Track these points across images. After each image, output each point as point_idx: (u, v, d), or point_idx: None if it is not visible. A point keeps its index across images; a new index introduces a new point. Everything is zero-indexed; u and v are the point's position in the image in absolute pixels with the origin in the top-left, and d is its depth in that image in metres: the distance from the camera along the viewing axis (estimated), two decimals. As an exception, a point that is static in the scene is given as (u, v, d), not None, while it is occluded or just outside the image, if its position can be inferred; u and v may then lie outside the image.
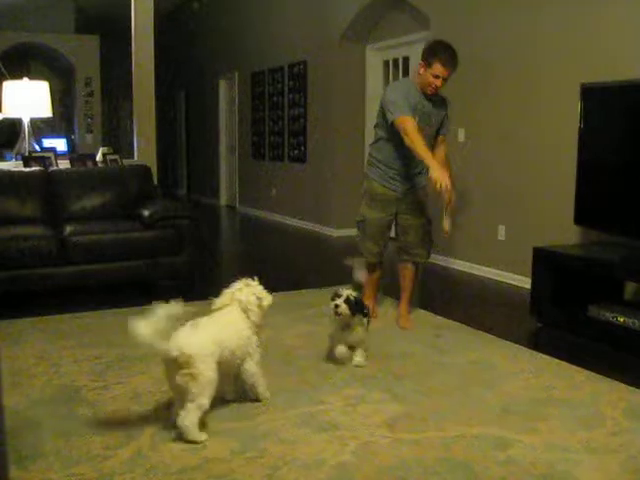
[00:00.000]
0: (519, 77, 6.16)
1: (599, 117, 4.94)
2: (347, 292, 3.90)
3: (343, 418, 3.27)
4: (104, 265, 5.65)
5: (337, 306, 3.85)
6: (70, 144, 13.51)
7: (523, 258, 5.47)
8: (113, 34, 12.03)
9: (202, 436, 2.98)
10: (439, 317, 5.11)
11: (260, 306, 3.37)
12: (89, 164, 7.16)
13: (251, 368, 3.33)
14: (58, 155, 7.50)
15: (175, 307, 2.94)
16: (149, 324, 2.86)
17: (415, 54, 8.15)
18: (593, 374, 3.89)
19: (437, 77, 4.45)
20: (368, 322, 4.02)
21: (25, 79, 7.53)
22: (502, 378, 3.85)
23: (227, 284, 3.41)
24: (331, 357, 4.03)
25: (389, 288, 5.49)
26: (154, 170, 7.26)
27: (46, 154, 7.29)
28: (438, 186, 4.20)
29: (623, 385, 3.72)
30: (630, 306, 4.64)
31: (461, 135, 6.85)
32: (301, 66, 10.03)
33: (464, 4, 6.81)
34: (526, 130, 6.12)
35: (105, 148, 7.95)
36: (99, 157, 7.47)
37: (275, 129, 11.06)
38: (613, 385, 3.73)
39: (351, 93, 9.12)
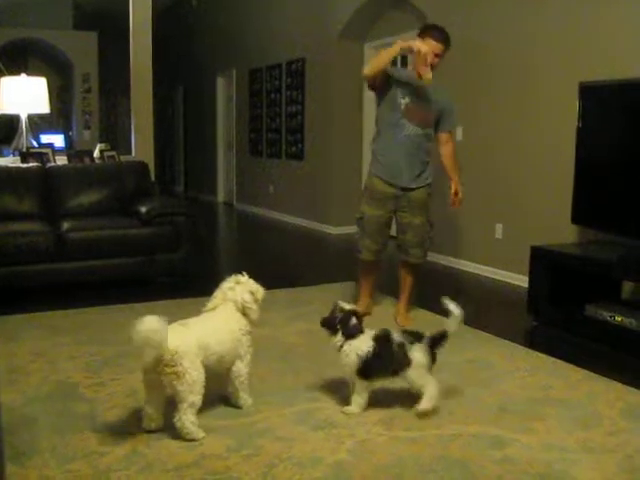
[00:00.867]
0: (517, 76, 6.16)
1: (597, 116, 4.94)
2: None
3: (340, 416, 3.27)
4: (101, 261, 5.66)
5: None
6: (68, 140, 13.49)
7: (520, 257, 5.47)
8: (111, 30, 12.02)
9: (200, 433, 2.97)
10: (436, 315, 5.10)
11: (256, 301, 3.34)
12: (87, 160, 7.16)
13: (240, 370, 3.27)
14: (56, 151, 7.50)
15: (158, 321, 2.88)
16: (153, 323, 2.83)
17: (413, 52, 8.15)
18: (590, 373, 3.89)
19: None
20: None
21: (23, 75, 7.52)
22: (499, 377, 3.85)
23: (223, 281, 3.37)
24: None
25: (388, 287, 5.48)
26: (151, 167, 7.27)
27: (44, 150, 7.28)
28: None
29: (620, 385, 3.72)
30: (627, 305, 4.64)
31: (459, 134, 6.84)
32: (299, 63, 10.02)
33: (462, 3, 6.81)
34: (524, 129, 6.12)
35: (103, 144, 7.95)
36: (96, 153, 7.46)
37: (273, 126, 11.05)
38: (610, 385, 3.73)
39: (349, 90, 9.11)
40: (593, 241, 5.19)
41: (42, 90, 7.36)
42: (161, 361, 2.90)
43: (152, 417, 3.02)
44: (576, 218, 5.07)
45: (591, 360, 4.13)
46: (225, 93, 13.13)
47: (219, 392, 3.33)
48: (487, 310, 5.47)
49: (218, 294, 3.32)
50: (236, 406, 3.32)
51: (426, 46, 4.45)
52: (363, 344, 3.28)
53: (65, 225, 5.66)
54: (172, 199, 7.83)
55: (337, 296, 5.40)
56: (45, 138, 10.98)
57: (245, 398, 3.32)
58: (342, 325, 3.34)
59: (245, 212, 11.91)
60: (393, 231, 4.92)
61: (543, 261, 4.92)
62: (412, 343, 3.32)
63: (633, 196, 4.62)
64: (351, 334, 3.33)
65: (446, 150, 4.81)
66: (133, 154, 7.90)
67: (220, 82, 13.20)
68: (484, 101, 6.57)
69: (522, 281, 5.59)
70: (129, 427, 3.09)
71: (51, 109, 7.96)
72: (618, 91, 4.81)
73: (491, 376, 3.86)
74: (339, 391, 3.55)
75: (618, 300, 4.82)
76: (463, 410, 3.37)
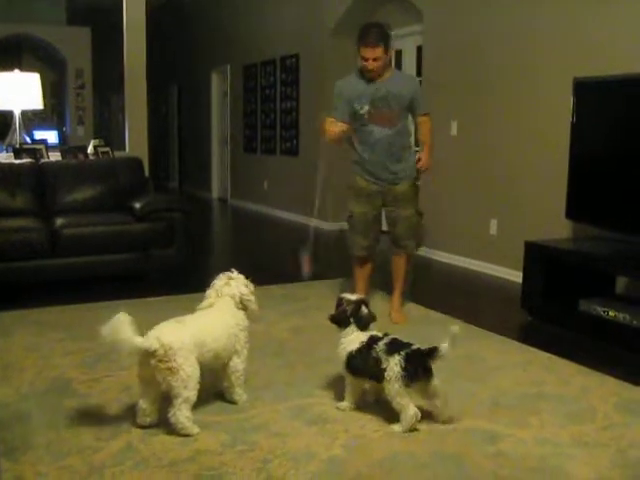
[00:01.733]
0: (512, 71, 6.16)
1: (592, 112, 4.94)
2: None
3: (334, 412, 3.27)
4: (95, 258, 5.64)
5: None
6: (61, 136, 13.47)
7: (515, 252, 5.48)
8: (105, 26, 11.98)
9: (194, 429, 2.97)
10: (430, 310, 5.11)
11: (252, 293, 3.35)
12: (80, 156, 7.13)
13: (237, 365, 3.28)
14: (49, 147, 7.47)
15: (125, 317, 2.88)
16: (120, 324, 2.83)
17: (408, 47, 8.15)
18: (584, 368, 3.90)
19: (366, 59, 4.49)
20: None
21: (16, 71, 7.50)
22: (493, 372, 3.85)
23: (214, 279, 3.37)
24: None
25: (382, 283, 5.48)
26: (146, 162, 7.24)
27: (37, 146, 7.26)
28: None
29: (614, 379, 3.73)
30: (621, 300, 4.65)
31: (454, 129, 6.85)
32: (293, 59, 10.01)
33: (457, -2, 6.81)
34: (519, 124, 6.12)
35: (96, 140, 7.92)
36: (90, 149, 7.44)
37: (267, 122, 11.04)
38: (604, 379, 3.74)
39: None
40: (587, 236, 5.19)
41: (35, 86, 7.34)
42: (154, 356, 2.90)
43: (146, 412, 3.02)
44: (570, 213, 5.08)
45: (585, 355, 4.13)
46: (219, 89, 13.11)
47: (213, 388, 3.33)
48: (481, 305, 5.48)
49: (212, 292, 3.32)
50: (231, 401, 3.32)
51: (331, 130, 4.62)
52: (354, 342, 3.23)
53: (59, 221, 5.65)
54: (166, 195, 7.83)
55: (331, 292, 5.42)
56: (38, 134, 10.95)
57: (240, 393, 3.32)
58: (355, 317, 3.30)
59: (239, 208, 11.90)
60: (386, 226, 4.94)
61: (537, 256, 4.93)
62: (390, 354, 3.08)
63: (627, 191, 4.62)
64: (366, 324, 3.30)
65: (423, 128, 4.84)
66: (127, 150, 7.87)
67: (214, 78, 13.18)
68: (479, 96, 6.57)
69: (516, 276, 5.59)
70: (123, 423, 3.09)
71: (44, 105, 7.94)
72: (612, 87, 4.81)
73: (485, 371, 3.87)
74: (333, 387, 3.55)
75: (612, 295, 4.84)
76: (457, 405, 3.36)
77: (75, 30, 13.26)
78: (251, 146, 11.67)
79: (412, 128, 4.96)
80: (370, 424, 3.13)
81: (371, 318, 3.33)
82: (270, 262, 7.17)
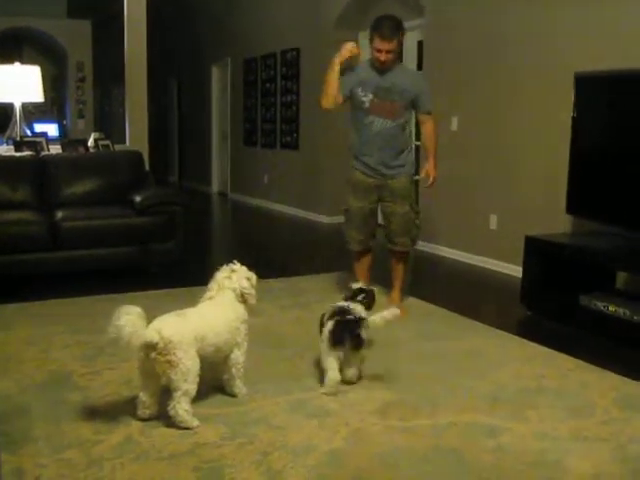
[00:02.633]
0: (513, 66, 6.15)
1: (592, 107, 4.94)
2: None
3: (334, 405, 3.27)
4: (95, 251, 5.64)
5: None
6: (62, 129, 13.45)
7: (515, 247, 5.47)
8: (105, 19, 11.97)
9: (194, 422, 2.97)
10: (431, 305, 5.11)
11: (253, 286, 3.35)
12: (81, 149, 7.13)
13: (237, 357, 3.28)
14: (49, 140, 7.47)
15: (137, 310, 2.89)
16: (129, 317, 2.84)
17: (409, 42, 8.13)
18: (583, 363, 3.90)
19: (379, 51, 4.51)
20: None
21: (17, 64, 7.48)
22: (492, 366, 3.86)
23: (216, 271, 3.37)
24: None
25: (382, 277, 5.48)
26: (146, 156, 7.24)
27: (37, 139, 7.26)
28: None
29: (613, 374, 3.73)
30: (621, 296, 4.65)
31: (454, 124, 6.85)
32: (294, 53, 9.99)
33: (459, -8, 6.80)
34: (519, 119, 6.11)
35: (97, 133, 7.91)
36: (91, 142, 7.43)
37: (267, 116, 11.02)
38: (603, 374, 3.74)
39: (344, 80, 9.08)
40: (587, 231, 5.19)
41: (36, 79, 7.33)
42: (154, 349, 2.90)
43: (146, 404, 3.02)
44: (570, 208, 5.07)
45: (584, 350, 4.14)
46: (220, 82, 13.09)
47: (213, 381, 3.33)
48: (481, 300, 5.48)
49: (214, 285, 3.32)
50: (231, 394, 3.32)
51: (348, 45, 4.66)
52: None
53: (59, 214, 5.65)
54: (166, 189, 7.82)
55: (331, 285, 5.43)
56: (39, 127, 10.94)
57: (240, 386, 3.32)
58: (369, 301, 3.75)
59: (239, 202, 11.90)
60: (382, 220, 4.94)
61: (537, 251, 4.92)
62: (330, 319, 3.47)
63: (627, 186, 4.62)
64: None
65: (424, 130, 4.83)
66: (127, 143, 7.87)
67: (215, 71, 13.17)
68: (479, 91, 6.56)
69: (516, 271, 5.59)
70: (123, 415, 3.09)
71: (45, 98, 7.93)
72: (613, 82, 4.80)
73: (485, 366, 3.87)
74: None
75: (612, 290, 4.84)
76: (457, 399, 3.37)
77: (76, 23, 13.23)
78: (251, 140, 11.66)
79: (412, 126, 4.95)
80: (370, 418, 3.14)
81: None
82: (270, 256, 7.18)
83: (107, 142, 7.47)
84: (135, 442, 2.85)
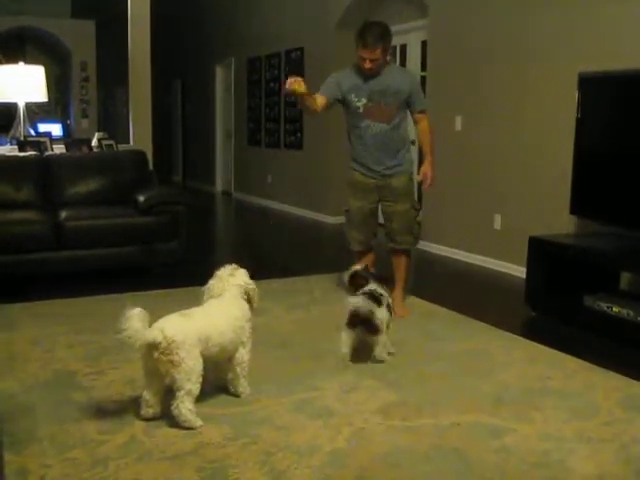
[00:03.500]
0: (517, 66, 6.14)
1: (597, 107, 4.93)
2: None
3: (337, 405, 3.27)
4: (99, 250, 5.65)
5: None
6: (65, 129, 13.46)
7: (519, 247, 5.47)
8: (109, 19, 11.97)
9: (197, 422, 2.98)
10: (434, 305, 5.11)
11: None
12: (84, 149, 7.14)
13: (242, 356, 3.28)
14: (53, 140, 7.48)
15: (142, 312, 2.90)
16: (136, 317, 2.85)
17: (413, 42, 8.14)
18: (587, 364, 3.90)
19: (363, 59, 4.52)
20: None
21: (21, 63, 7.50)
22: (496, 367, 3.85)
23: (217, 270, 3.39)
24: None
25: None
26: (150, 156, 7.24)
27: (41, 139, 7.27)
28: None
29: (617, 375, 3.73)
30: (625, 296, 4.65)
31: (458, 124, 6.84)
32: (298, 52, 9.99)
33: (463, -8, 6.79)
34: (523, 119, 6.11)
35: (101, 133, 7.92)
36: (94, 142, 7.44)
37: (271, 115, 11.02)
38: (607, 375, 3.74)
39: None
40: (591, 232, 5.18)
41: (40, 78, 7.33)
42: (157, 348, 2.90)
43: (150, 403, 3.02)
44: (575, 209, 5.07)
45: (589, 351, 4.13)
46: (224, 82, 13.09)
47: (217, 381, 3.33)
48: (485, 300, 5.47)
49: (217, 283, 3.32)
50: (235, 394, 3.32)
51: (288, 84, 4.57)
52: None
53: (63, 214, 5.65)
54: (170, 188, 7.82)
55: (335, 286, 5.42)
56: (43, 127, 10.96)
57: (245, 385, 3.33)
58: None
59: (243, 202, 11.90)
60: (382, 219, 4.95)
61: (541, 252, 4.92)
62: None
63: (632, 187, 4.61)
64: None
65: (420, 129, 4.82)
66: (131, 143, 7.87)
67: (219, 71, 13.17)
68: (483, 91, 6.56)
69: (520, 272, 5.59)
70: (127, 415, 3.10)
71: (49, 98, 7.93)
72: (618, 82, 4.79)
73: (489, 366, 3.86)
74: (337, 380, 3.56)
75: (616, 291, 4.83)
76: (460, 399, 3.37)
77: (80, 23, 13.23)
78: (255, 139, 11.66)
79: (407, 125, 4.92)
80: (373, 417, 3.14)
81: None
82: (273, 256, 7.18)
83: (111, 142, 7.47)
84: (139, 442, 2.86)
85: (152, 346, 2.91)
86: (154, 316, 3.02)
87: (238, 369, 3.29)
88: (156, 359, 2.93)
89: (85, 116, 13.61)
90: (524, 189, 6.11)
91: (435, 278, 6.33)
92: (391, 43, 4.63)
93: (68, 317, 4.65)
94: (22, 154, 6.51)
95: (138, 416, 3.05)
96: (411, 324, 4.62)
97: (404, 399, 3.36)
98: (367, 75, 4.61)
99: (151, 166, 7.07)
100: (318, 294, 5.30)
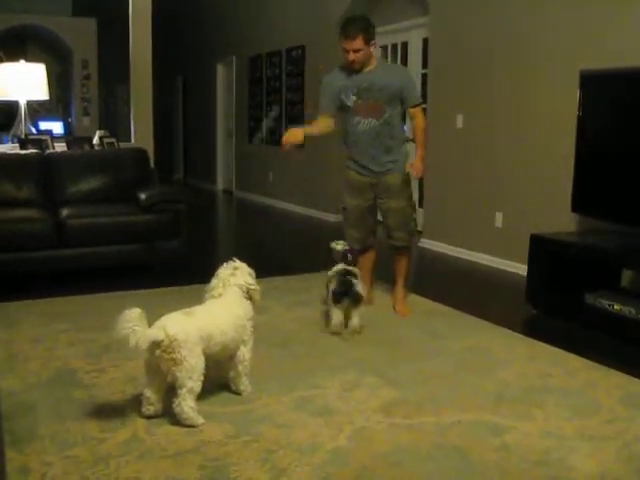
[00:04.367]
0: (518, 64, 6.14)
1: (598, 104, 4.92)
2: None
3: (339, 403, 3.27)
4: (100, 248, 5.65)
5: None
6: (67, 127, 13.46)
7: (520, 245, 5.47)
8: (110, 17, 11.97)
9: (199, 419, 2.98)
10: (435, 303, 5.11)
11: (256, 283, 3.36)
12: (86, 147, 7.15)
13: (244, 354, 3.28)
14: (54, 138, 7.48)
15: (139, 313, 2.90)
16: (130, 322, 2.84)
17: (414, 39, 8.13)
18: (589, 362, 3.90)
19: (347, 51, 4.54)
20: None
21: (22, 61, 7.50)
22: (497, 365, 3.85)
23: (219, 268, 3.38)
24: (329, 327, 4.32)
25: (383, 274, 5.48)
26: (151, 154, 7.25)
27: (42, 137, 7.27)
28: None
29: (619, 373, 3.72)
30: (627, 294, 4.64)
31: (459, 122, 6.84)
32: (299, 50, 9.99)
33: (464, -11, 6.78)
34: (525, 117, 6.10)
35: (102, 131, 7.92)
36: (96, 140, 7.44)
37: (273, 113, 11.01)
38: (609, 373, 3.74)
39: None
40: (593, 230, 5.18)
41: (41, 76, 7.34)
42: (159, 346, 2.90)
43: (151, 401, 3.02)
44: (576, 206, 5.06)
45: (590, 348, 4.13)
46: (225, 80, 13.09)
47: (218, 379, 3.33)
48: (486, 298, 5.47)
49: (218, 282, 3.32)
50: (236, 392, 3.32)
51: (285, 139, 4.66)
52: None
53: (64, 212, 5.66)
54: (171, 186, 7.82)
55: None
56: (44, 125, 10.95)
57: (246, 384, 3.33)
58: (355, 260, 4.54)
59: (244, 200, 11.90)
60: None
61: (543, 249, 4.92)
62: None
63: (633, 185, 4.61)
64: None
65: (414, 124, 4.81)
66: (132, 141, 7.88)
67: (220, 69, 13.16)
68: (484, 89, 6.55)
69: (521, 269, 5.59)
70: (129, 413, 3.10)
71: (50, 96, 7.94)
72: (619, 79, 4.79)
73: (490, 364, 3.86)
74: (338, 378, 3.56)
75: (617, 289, 4.82)
76: (462, 397, 3.37)
77: (81, 21, 13.24)
78: (256, 137, 11.65)
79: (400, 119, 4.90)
80: (375, 416, 3.14)
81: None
82: (275, 253, 7.18)
83: (112, 140, 7.48)
84: (140, 440, 2.86)
85: (154, 344, 2.91)
86: (155, 314, 3.02)
87: (240, 367, 3.29)
88: (158, 357, 2.93)
89: (86, 114, 13.62)
90: (525, 187, 6.11)
91: (436, 276, 6.32)
92: (373, 35, 4.59)
93: (69, 315, 4.65)
94: (23, 152, 6.51)
95: (139, 414, 3.05)
96: (412, 322, 4.62)
97: (405, 397, 3.36)
98: (353, 72, 4.62)
99: (152, 164, 7.07)
100: (319, 292, 5.29)
